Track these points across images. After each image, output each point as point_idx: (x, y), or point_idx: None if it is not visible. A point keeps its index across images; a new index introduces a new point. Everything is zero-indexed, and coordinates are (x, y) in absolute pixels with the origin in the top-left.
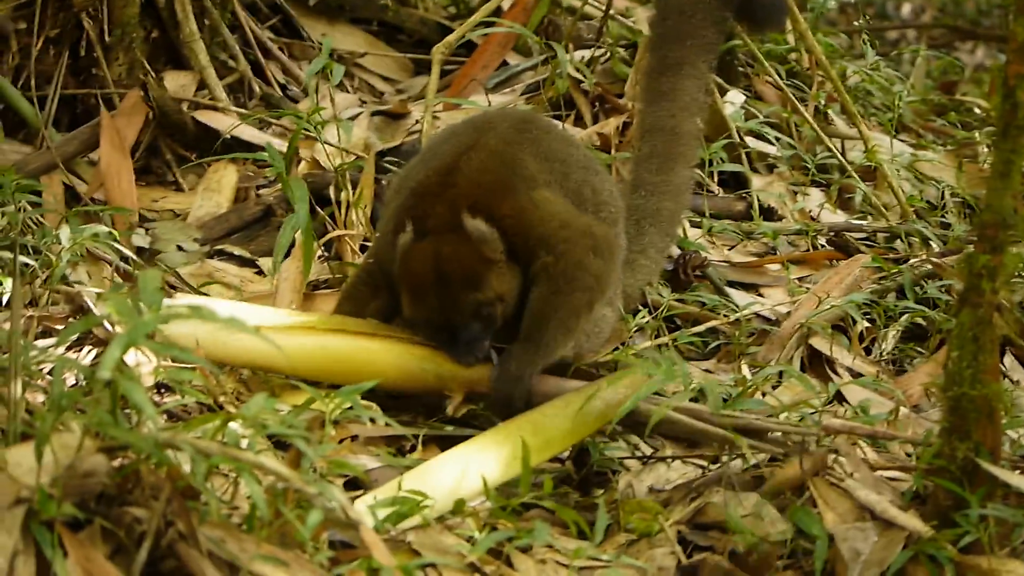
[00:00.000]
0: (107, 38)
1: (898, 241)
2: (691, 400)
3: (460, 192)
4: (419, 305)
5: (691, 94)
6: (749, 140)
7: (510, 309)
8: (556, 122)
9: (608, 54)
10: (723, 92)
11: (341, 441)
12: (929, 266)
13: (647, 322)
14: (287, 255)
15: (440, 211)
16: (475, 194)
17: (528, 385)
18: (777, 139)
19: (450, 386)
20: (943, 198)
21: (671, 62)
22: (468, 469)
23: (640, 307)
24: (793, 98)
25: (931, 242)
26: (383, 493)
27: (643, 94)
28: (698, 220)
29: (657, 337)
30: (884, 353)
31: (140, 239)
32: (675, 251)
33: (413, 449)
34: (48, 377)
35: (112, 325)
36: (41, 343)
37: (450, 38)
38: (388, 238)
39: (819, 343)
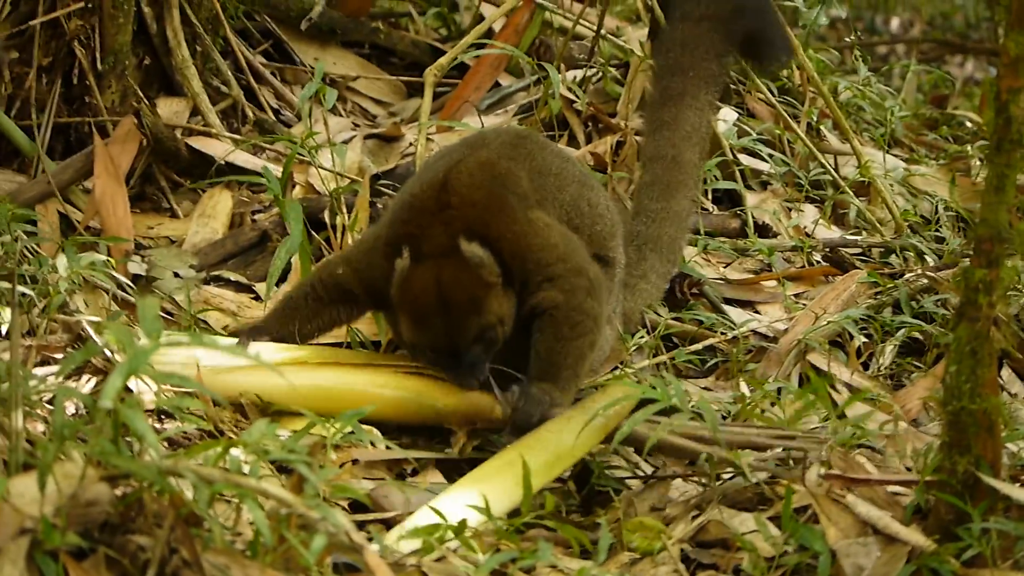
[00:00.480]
0: (99, 66)
1: (893, 256)
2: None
3: (455, 214)
4: (422, 331)
5: (692, 124)
6: (742, 157)
7: (508, 330)
8: (550, 140)
9: (600, 74)
10: (715, 110)
11: (342, 465)
12: (925, 280)
13: (645, 341)
14: (283, 279)
15: (436, 233)
16: (470, 215)
17: (549, 415)
18: (770, 156)
19: (450, 420)
20: (937, 212)
21: (673, 93)
22: (482, 496)
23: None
24: (785, 115)
25: (926, 256)
26: (409, 523)
27: (645, 124)
28: (693, 238)
29: (655, 356)
30: (882, 368)
31: (136, 266)
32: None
33: (415, 472)
34: (48, 407)
35: (112, 353)
36: (40, 371)
37: (442, 60)
38: (378, 252)
39: (817, 359)
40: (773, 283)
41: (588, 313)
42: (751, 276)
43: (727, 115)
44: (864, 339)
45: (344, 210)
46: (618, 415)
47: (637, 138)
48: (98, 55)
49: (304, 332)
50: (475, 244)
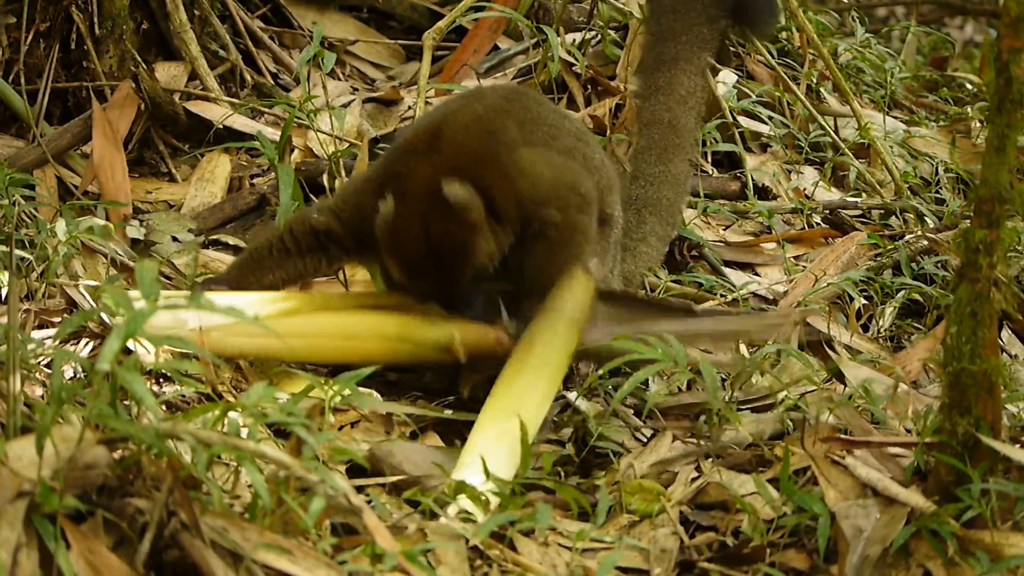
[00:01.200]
0: (97, 30)
1: (893, 218)
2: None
3: (443, 157)
4: (413, 276)
5: (687, 88)
6: (742, 120)
7: (497, 260)
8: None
9: (599, 36)
10: (715, 72)
11: (341, 428)
12: (925, 242)
13: None
14: None
15: (422, 173)
16: (458, 160)
17: None
18: (770, 118)
19: (455, 351)
20: (937, 174)
21: (667, 58)
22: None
23: (639, 290)
24: (785, 77)
25: (926, 218)
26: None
27: (640, 89)
28: (693, 201)
29: None
30: (882, 330)
31: (134, 231)
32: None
33: (414, 435)
34: (47, 370)
35: (110, 317)
36: (39, 335)
37: (441, 23)
38: (367, 193)
39: (816, 321)
40: (773, 245)
41: (578, 229)
42: (751, 238)
43: (727, 77)
44: (864, 301)
45: (343, 174)
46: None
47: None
48: (96, 20)
49: (266, 283)
50: (456, 184)
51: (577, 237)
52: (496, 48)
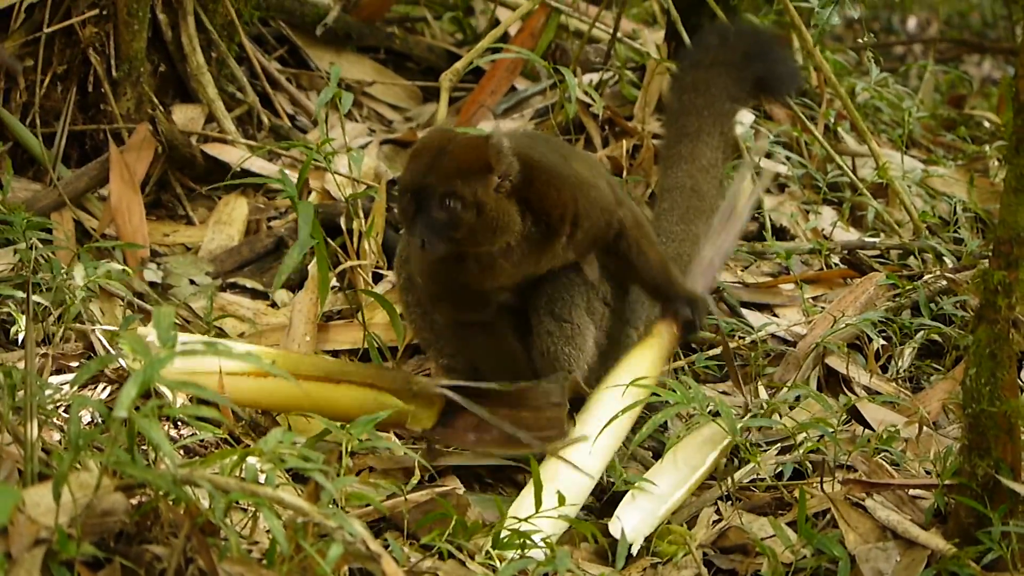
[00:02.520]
0: (114, 73)
1: (912, 258)
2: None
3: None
4: (407, 170)
5: (708, 159)
6: (761, 160)
7: (486, 238)
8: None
9: (616, 77)
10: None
11: (359, 473)
12: (944, 282)
13: None
14: (300, 286)
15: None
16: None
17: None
18: (788, 158)
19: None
20: (955, 213)
21: (689, 131)
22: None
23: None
24: (803, 117)
25: (945, 258)
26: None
27: (663, 160)
28: None
29: (674, 361)
30: (901, 371)
31: (152, 274)
32: None
33: (432, 479)
34: (64, 416)
35: (128, 362)
36: (56, 380)
37: (458, 65)
38: None
39: (835, 362)
40: (791, 286)
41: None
42: (769, 279)
43: (744, 117)
44: (883, 342)
45: (361, 215)
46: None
47: (654, 141)
48: (113, 62)
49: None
50: (505, 139)
51: (650, 231)
52: (513, 89)
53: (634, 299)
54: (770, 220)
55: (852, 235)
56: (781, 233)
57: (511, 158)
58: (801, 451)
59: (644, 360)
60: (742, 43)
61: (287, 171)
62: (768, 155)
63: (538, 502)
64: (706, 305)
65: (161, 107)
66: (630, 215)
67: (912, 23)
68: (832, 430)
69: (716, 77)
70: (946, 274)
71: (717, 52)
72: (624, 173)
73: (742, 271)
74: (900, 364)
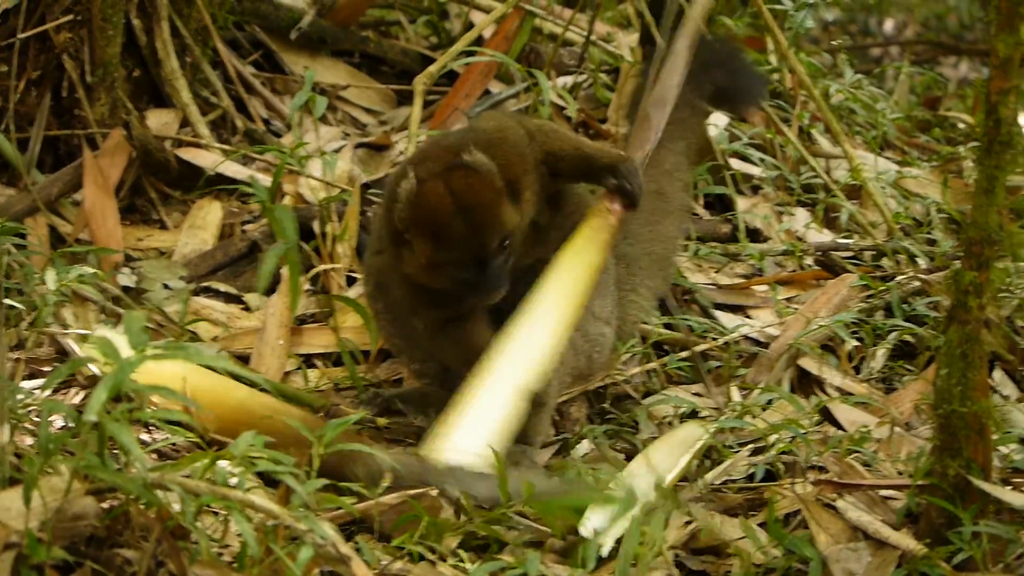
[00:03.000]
0: (88, 78)
1: (885, 259)
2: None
3: (459, 143)
4: (442, 246)
5: (672, 163)
6: (733, 162)
7: (520, 234)
8: None
9: (590, 80)
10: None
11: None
12: (917, 283)
13: (637, 349)
14: (272, 290)
15: (442, 155)
16: (475, 141)
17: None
18: (761, 160)
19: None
20: (929, 215)
21: None
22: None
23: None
24: (776, 119)
25: (918, 259)
26: None
27: None
28: (684, 244)
29: (647, 362)
30: (873, 372)
31: (126, 278)
32: None
33: None
34: (35, 420)
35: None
36: (28, 385)
37: (432, 68)
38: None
39: (808, 364)
40: (764, 288)
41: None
42: (742, 281)
43: (718, 119)
44: (856, 343)
45: (334, 219)
46: None
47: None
48: (87, 67)
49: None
50: (476, 152)
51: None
52: (487, 92)
53: (603, 293)
54: (744, 222)
55: (826, 236)
56: (755, 235)
57: (491, 165)
58: (773, 452)
59: (584, 248)
60: (701, 52)
61: (261, 175)
62: (742, 157)
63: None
64: (631, 166)
65: (135, 112)
66: (540, 135)
67: (889, 25)
68: (804, 431)
69: None
70: (919, 275)
71: None
72: None
73: (715, 273)
74: (873, 365)
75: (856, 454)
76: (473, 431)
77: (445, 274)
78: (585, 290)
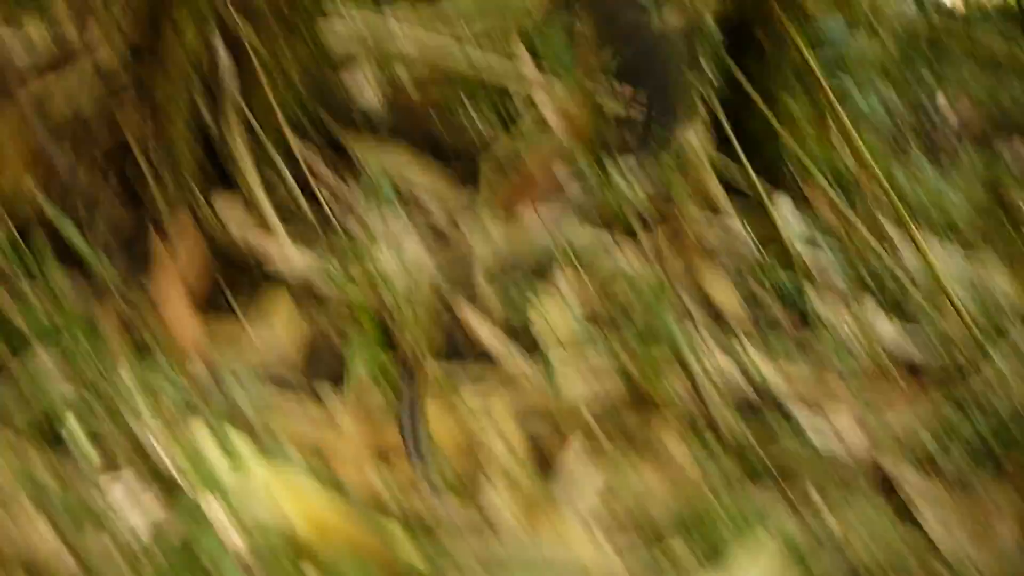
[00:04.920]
0: (155, 160)
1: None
2: None
3: None
4: None
5: None
6: (801, 248)
7: None
8: None
9: None
10: (770, 195)
11: None
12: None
13: None
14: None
15: None
16: None
17: None
18: (828, 246)
19: None
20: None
21: None
22: None
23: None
24: (843, 207)
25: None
26: None
27: None
28: (752, 332)
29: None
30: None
31: (199, 371)
32: None
33: None
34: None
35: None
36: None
37: (496, 150)
38: None
39: (886, 463)
40: (837, 381)
41: None
42: (813, 372)
43: (784, 204)
44: (934, 443)
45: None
46: None
47: None
48: (152, 149)
49: None
50: None
51: None
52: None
53: None
54: (816, 312)
55: (897, 327)
56: (823, 323)
57: None
58: None
59: None
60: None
61: (332, 266)
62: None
63: None
64: None
65: (203, 197)
66: None
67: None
68: None
69: None
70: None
71: None
72: None
73: (783, 360)
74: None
75: None
76: None
77: None
78: None
